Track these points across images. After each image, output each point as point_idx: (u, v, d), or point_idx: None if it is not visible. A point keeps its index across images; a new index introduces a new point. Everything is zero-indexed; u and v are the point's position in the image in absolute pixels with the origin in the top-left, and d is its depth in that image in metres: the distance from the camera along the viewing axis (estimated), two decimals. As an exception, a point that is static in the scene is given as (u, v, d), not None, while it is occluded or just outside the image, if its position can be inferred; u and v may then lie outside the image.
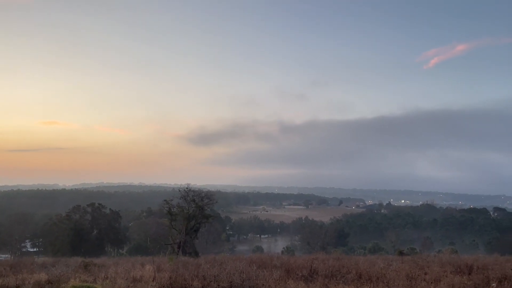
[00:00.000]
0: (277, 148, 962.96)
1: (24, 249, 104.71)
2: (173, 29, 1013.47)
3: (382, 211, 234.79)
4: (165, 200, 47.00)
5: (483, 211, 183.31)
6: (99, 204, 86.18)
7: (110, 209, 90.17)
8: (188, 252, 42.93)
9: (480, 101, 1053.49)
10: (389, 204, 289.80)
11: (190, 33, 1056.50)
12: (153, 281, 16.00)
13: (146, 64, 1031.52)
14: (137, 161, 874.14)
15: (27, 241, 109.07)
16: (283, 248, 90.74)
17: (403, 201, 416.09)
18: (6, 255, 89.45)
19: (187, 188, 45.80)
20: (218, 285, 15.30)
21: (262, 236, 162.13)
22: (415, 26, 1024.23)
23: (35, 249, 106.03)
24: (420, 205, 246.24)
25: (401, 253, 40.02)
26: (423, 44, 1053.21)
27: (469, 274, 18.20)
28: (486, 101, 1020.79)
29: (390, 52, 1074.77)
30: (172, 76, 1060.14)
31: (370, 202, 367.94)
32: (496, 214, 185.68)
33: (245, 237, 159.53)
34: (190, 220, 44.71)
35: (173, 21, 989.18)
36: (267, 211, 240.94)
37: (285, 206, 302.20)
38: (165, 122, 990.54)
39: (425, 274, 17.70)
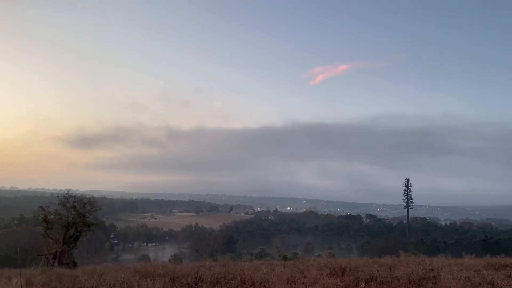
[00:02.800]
0: (166, 154, 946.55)
1: None
2: (52, 24, 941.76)
3: (269, 217, 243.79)
4: (40, 207, 42.72)
5: (358, 218, 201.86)
6: (-42, 211, 75.60)
7: (-28, 216, 79.61)
8: (65, 263, 39.59)
9: (352, 117, 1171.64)
10: (276, 210, 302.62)
11: (70, 30, 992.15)
12: (19, 296, 14.40)
13: (18, 58, 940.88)
14: (8, 163, 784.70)
15: None
16: (171, 256, 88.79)
17: (289, 208, 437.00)
18: None
19: (67, 193, 42.37)
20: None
21: (149, 244, 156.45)
22: (304, 42, 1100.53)
23: None
24: (304, 211, 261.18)
25: (284, 258, 41.89)
26: (311, 61, 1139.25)
27: (342, 276, 19.74)
28: (357, 117, 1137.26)
29: (279, 66, 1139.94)
30: (48, 73, 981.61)
31: (259, 208, 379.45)
32: (368, 221, 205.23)
33: (130, 245, 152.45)
34: (69, 228, 41.35)
35: (53, 18, 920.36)
36: (155, 219, 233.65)
37: (175, 213, 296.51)
38: (38, 122, 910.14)
39: (304, 277, 18.72)
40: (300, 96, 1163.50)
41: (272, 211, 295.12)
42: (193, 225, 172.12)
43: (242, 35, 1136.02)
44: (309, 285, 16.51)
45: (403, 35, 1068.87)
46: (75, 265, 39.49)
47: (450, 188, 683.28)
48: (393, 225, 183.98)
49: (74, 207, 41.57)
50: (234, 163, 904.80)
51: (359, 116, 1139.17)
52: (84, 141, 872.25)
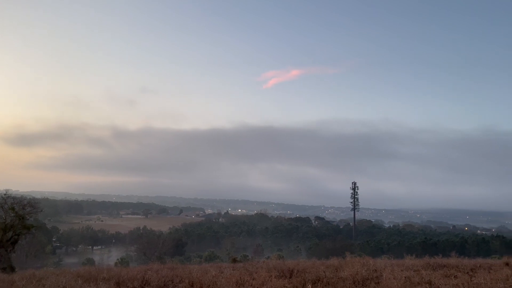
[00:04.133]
0: (113, 154, 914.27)
1: None
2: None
3: (220, 220, 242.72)
4: (-26, 208, 40.14)
5: (306, 220, 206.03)
6: None
7: None
8: (1, 267, 37.38)
9: (299, 121, 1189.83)
10: (227, 213, 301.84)
11: (6, 23, 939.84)
12: None
13: None
14: None
15: None
16: (117, 259, 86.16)
17: (240, 210, 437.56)
18: None
19: (5, 194, 40.10)
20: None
21: (94, 248, 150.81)
22: (258, 46, 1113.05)
23: None
24: (255, 214, 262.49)
25: (234, 260, 41.86)
26: (264, 65, 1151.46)
27: (290, 277, 20.06)
28: (304, 122, 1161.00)
29: (232, 69, 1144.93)
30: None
31: (209, 211, 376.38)
32: (316, 223, 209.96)
33: (74, 249, 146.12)
34: (7, 231, 39.14)
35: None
36: (102, 221, 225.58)
37: (123, 216, 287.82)
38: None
39: (253, 279, 18.84)
40: (251, 99, 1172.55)
41: (223, 213, 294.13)
42: (141, 228, 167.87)
43: (193, 34, 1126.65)
44: (257, 287, 16.64)
45: (355, 42, 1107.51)
46: (12, 269, 37.45)
47: (394, 192, 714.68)
48: (340, 227, 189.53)
49: (13, 208, 39.45)
50: (184, 165, 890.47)
51: (306, 120, 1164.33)
52: (23, 139, 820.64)
